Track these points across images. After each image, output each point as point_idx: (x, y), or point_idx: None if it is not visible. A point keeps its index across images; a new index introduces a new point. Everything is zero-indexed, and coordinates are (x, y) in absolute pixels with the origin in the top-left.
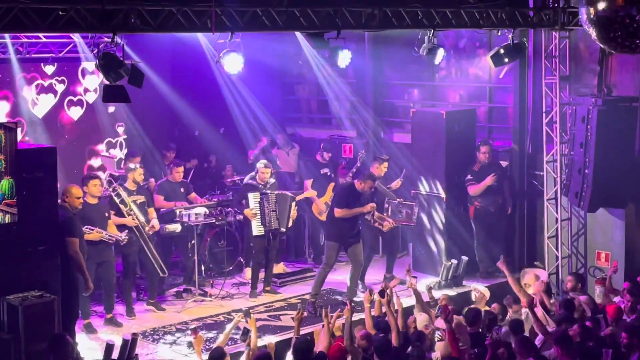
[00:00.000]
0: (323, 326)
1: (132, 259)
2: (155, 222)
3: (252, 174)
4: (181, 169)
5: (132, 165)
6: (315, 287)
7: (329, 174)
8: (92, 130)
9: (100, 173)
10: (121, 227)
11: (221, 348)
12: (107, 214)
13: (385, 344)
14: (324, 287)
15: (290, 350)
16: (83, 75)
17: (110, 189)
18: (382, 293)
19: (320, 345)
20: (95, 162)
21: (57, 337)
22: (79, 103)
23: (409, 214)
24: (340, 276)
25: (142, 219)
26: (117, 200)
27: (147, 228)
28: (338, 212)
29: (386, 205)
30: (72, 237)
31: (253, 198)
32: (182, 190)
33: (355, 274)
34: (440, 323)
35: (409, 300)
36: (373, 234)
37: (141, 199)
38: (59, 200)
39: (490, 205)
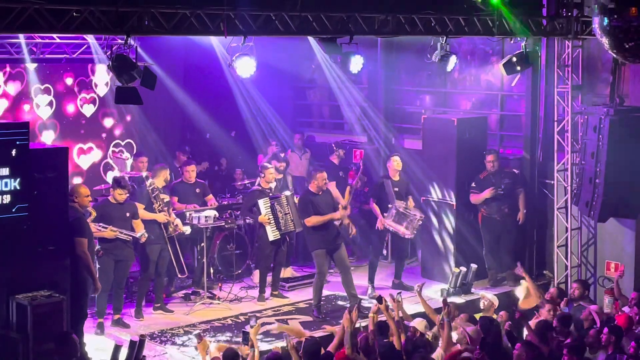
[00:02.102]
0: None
1: (152, 257)
2: (179, 221)
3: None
4: (192, 167)
5: (164, 165)
6: (315, 298)
7: (342, 176)
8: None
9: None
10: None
11: (234, 349)
12: (128, 214)
13: (390, 349)
14: (330, 292)
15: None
16: (92, 71)
17: (147, 183)
18: (379, 299)
19: (331, 346)
20: (85, 162)
21: (62, 335)
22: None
23: (408, 225)
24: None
25: (170, 217)
26: (152, 195)
27: (171, 229)
28: (308, 222)
29: (389, 206)
30: (81, 237)
31: (263, 204)
32: (197, 191)
33: (347, 279)
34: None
35: (418, 307)
36: (380, 237)
37: (167, 197)
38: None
39: (495, 213)
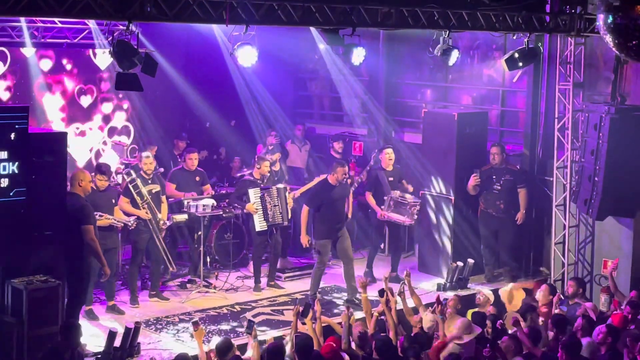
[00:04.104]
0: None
1: (141, 246)
2: (166, 218)
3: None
4: (194, 155)
5: (144, 154)
6: (312, 287)
7: None
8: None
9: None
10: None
11: (229, 339)
12: (113, 200)
13: (386, 344)
14: (327, 284)
15: (293, 347)
16: (93, 57)
17: (128, 180)
18: (381, 292)
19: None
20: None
21: (70, 324)
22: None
23: (407, 212)
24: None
25: (156, 212)
26: (134, 191)
27: (161, 222)
28: (303, 209)
29: (385, 198)
30: (89, 224)
31: (254, 194)
32: (197, 179)
33: (349, 270)
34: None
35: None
36: (378, 230)
37: (157, 188)
38: (69, 187)
39: (491, 208)
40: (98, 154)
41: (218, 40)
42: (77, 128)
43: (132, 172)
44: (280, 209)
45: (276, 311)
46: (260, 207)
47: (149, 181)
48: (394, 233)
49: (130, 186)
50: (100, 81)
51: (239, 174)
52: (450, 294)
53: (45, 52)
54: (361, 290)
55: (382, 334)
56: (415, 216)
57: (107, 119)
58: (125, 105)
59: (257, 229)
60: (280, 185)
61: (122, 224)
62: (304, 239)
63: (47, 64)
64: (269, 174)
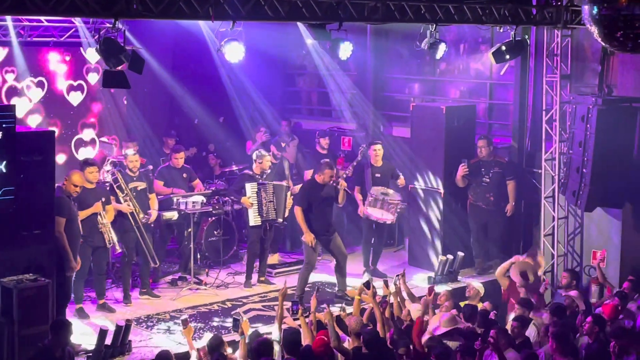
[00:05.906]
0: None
1: (130, 244)
2: (153, 212)
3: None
4: (181, 154)
5: (128, 152)
6: (299, 288)
7: None
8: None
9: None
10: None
11: (219, 336)
12: (103, 199)
13: (375, 337)
14: (318, 279)
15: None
16: (80, 55)
17: (110, 174)
18: (367, 285)
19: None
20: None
21: (61, 322)
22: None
23: (386, 210)
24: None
25: (137, 206)
26: (114, 185)
27: (141, 216)
28: (296, 210)
29: (369, 195)
30: (60, 216)
31: (250, 188)
32: (184, 176)
33: (341, 265)
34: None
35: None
36: (367, 224)
37: (142, 185)
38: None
39: (480, 201)
40: (89, 152)
41: (205, 36)
42: (70, 128)
43: (113, 167)
44: (275, 205)
45: (267, 307)
46: (256, 201)
47: (134, 178)
48: (379, 227)
49: (111, 180)
50: (88, 74)
51: (227, 169)
52: (441, 288)
53: (31, 50)
54: (356, 293)
55: (369, 327)
56: (397, 215)
57: (95, 116)
58: (116, 103)
59: (251, 223)
60: (283, 183)
61: (106, 240)
62: (309, 237)
63: (34, 62)
64: (269, 171)
